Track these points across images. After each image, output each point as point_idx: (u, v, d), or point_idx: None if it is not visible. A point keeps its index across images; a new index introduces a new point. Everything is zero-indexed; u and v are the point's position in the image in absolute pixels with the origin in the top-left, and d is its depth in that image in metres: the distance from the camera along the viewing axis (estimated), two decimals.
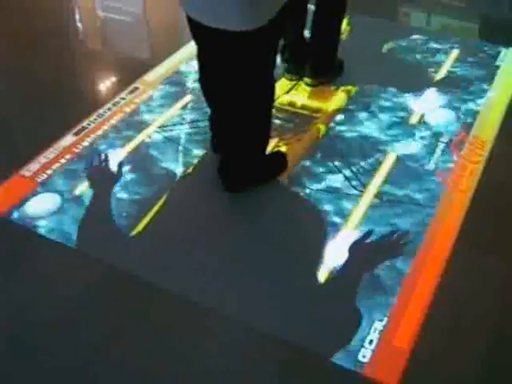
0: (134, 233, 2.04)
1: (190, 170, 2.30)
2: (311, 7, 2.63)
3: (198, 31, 1.87)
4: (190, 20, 1.85)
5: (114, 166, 2.32)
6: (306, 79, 2.77)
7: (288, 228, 2.06)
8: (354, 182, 2.22)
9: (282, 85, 2.75)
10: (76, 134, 2.49)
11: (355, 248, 1.96)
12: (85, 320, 1.77)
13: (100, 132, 2.49)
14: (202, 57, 2.06)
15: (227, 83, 1.96)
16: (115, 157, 2.37)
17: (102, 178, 2.27)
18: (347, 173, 2.26)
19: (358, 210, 2.10)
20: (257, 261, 1.94)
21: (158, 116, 2.59)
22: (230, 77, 1.92)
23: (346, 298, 1.81)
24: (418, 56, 3.00)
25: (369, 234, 2.01)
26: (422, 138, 2.44)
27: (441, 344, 1.69)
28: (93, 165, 2.33)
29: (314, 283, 1.86)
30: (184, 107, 2.64)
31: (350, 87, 2.75)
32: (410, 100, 2.67)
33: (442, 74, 2.84)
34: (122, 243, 2.00)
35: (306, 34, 2.73)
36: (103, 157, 2.37)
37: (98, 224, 2.08)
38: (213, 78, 2.05)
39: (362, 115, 2.58)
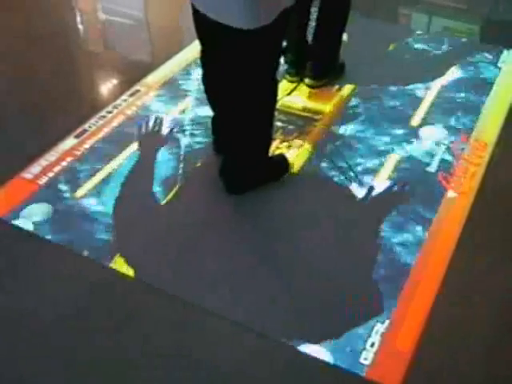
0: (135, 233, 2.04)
1: (191, 172, 2.30)
2: (314, 9, 2.64)
3: (203, 23, 1.87)
4: (195, 12, 1.87)
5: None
6: (308, 81, 2.76)
7: (290, 230, 2.05)
8: (355, 185, 2.22)
9: (283, 86, 2.74)
10: (77, 136, 2.49)
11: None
12: (84, 321, 1.77)
13: (101, 134, 2.49)
14: (204, 54, 2.06)
15: (229, 82, 1.95)
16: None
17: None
18: (350, 174, 2.26)
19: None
20: (258, 263, 1.94)
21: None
22: (232, 75, 1.91)
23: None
24: (420, 57, 2.99)
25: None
26: (423, 139, 2.44)
27: (442, 347, 1.69)
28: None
29: (316, 283, 1.86)
30: (185, 109, 2.64)
31: (351, 88, 2.75)
32: (411, 102, 2.67)
33: (443, 75, 2.84)
34: (120, 244, 2.01)
35: (308, 35, 2.73)
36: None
37: (96, 225, 2.08)
38: (215, 76, 2.04)
39: (363, 117, 2.57)
